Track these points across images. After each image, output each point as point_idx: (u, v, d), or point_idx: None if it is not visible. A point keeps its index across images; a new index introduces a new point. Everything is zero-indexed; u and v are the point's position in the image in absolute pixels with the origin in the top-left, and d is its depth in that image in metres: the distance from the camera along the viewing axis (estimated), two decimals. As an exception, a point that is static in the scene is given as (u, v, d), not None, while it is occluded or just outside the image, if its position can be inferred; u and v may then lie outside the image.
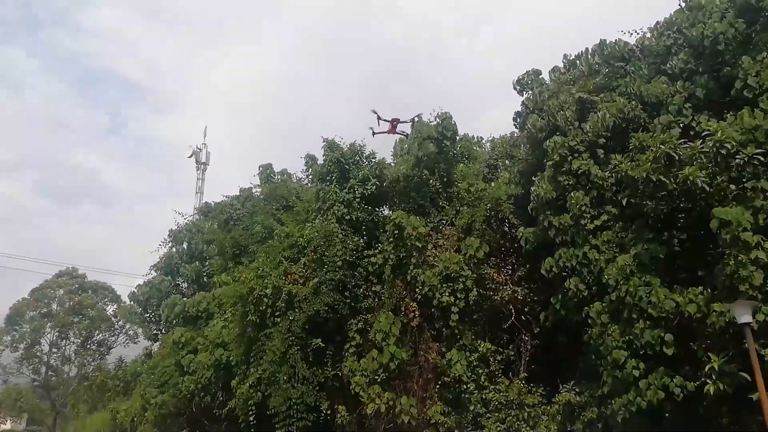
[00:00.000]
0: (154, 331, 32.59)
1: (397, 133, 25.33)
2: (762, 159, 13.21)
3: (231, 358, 21.51)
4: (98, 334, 56.92)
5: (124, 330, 55.90)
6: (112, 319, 56.42)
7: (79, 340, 57.13)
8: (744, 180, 13.50)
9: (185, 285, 31.05)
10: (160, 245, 31.84)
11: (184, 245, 31.65)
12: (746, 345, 12.41)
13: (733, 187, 13.77)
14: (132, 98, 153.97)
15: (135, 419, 27.38)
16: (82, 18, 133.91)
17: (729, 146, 13.29)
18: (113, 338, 57.26)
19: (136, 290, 32.21)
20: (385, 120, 24.60)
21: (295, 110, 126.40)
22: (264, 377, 19.20)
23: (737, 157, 13.29)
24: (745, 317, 12.30)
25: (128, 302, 37.24)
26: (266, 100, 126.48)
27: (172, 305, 26.62)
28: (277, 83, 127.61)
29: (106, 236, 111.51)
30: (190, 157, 48.21)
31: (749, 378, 12.56)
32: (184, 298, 27.63)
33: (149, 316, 32.57)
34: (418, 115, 23.27)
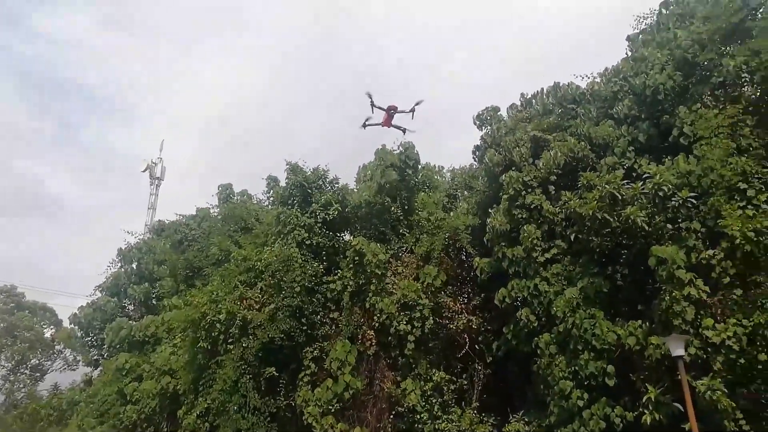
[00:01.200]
0: (95, 357, 31.12)
1: (395, 127, 21.72)
2: (695, 202, 14.38)
3: (178, 387, 20.84)
4: (33, 359, 53.65)
5: (62, 355, 52.93)
6: (51, 342, 53.39)
7: (11, 364, 53.67)
8: (679, 220, 14.56)
9: (132, 307, 29.95)
10: (108, 266, 30.71)
11: (134, 265, 30.59)
12: (680, 377, 13.22)
13: (669, 226, 14.83)
14: (86, 108, 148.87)
15: (70, 451, 25.94)
16: (38, 23, 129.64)
17: (666, 189, 14.43)
18: (49, 363, 54.11)
19: (78, 312, 30.76)
20: (379, 108, 21.21)
21: (257, 128, 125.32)
22: (213, 407, 18.68)
23: (673, 199, 14.42)
24: (678, 350, 13.16)
25: (69, 325, 35.49)
26: (228, 117, 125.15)
27: (117, 329, 25.57)
28: (240, 100, 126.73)
29: (49, 252, 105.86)
30: (144, 171, 46.96)
31: (682, 408, 13.33)
32: (131, 322, 26.63)
33: (90, 340, 31.10)
34: (418, 102, 20.83)
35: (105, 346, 27.93)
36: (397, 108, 20.97)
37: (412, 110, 20.79)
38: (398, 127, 21.64)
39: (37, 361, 53.48)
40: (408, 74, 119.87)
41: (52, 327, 54.55)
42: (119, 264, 30.67)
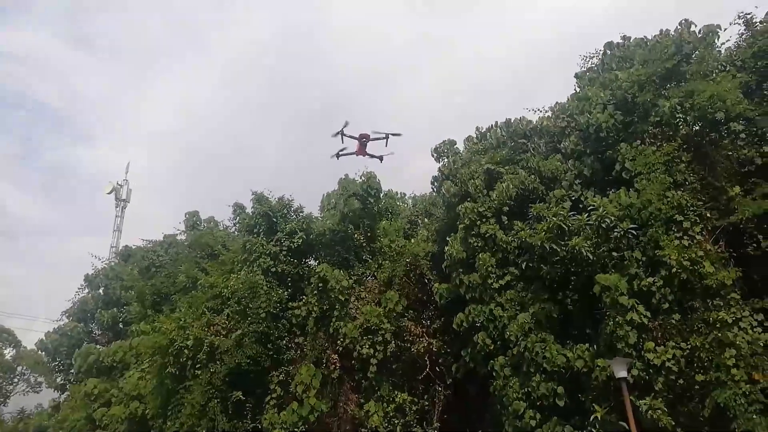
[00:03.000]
0: (62, 381, 30.92)
1: (369, 156, 20.78)
2: (635, 233, 15.39)
3: (147, 411, 21.19)
4: (-6, 381, 52.19)
5: (24, 377, 51.63)
6: (12, 365, 52.03)
7: (-29, 387, 52.12)
8: (621, 250, 15.54)
9: (99, 332, 29.96)
10: (77, 292, 30.66)
11: (101, 290, 30.64)
12: (624, 397, 14.12)
13: (614, 254, 15.77)
14: (48, 126, 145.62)
15: (37, 478, 25.73)
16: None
17: (609, 220, 15.42)
18: (11, 387, 52.70)
19: (44, 338, 30.57)
20: (350, 137, 20.37)
21: (225, 151, 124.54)
22: (182, 431, 19.07)
23: (615, 230, 15.40)
24: (621, 372, 14.06)
25: (30, 347, 35.10)
26: (195, 139, 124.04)
27: (86, 355, 25.65)
28: (207, 122, 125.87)
29: (7, 273, 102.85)
30: (109, 193, 46.88)
31: (627, 427, 14.12)
32: (99, 347, 26.70)
33: (57, 365, 30.93)
34: (395, 134, 20.10)
35: (73, 372, 27.87)
36: (369, 136, 20.29)
37: (386, 137, 20.23)
38: (373, 156, 21.02)
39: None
40: (369, 92, 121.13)
41: (12, 348, 53.23)
42: (86, 289, 30.65)
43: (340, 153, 20.57)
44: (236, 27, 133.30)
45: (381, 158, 20.96)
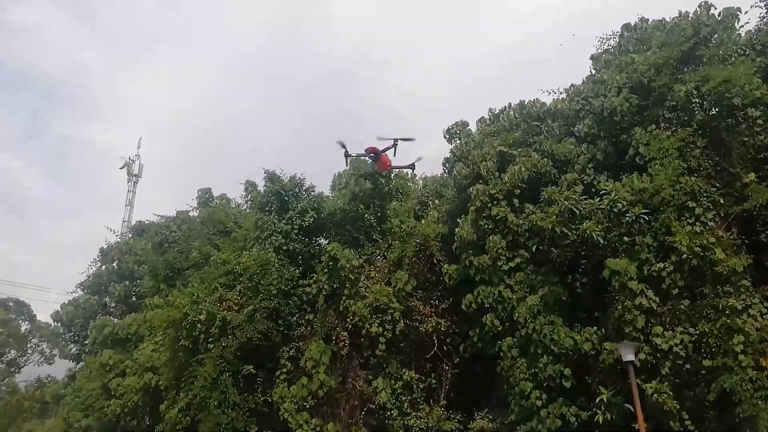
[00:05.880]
0: (77, 352, 31.68)
1: (396, 168, 20.91)
2: (647, 218, 15.38)
3: (161, 383, 21.62)
4: (10, 352, 53.59)
5: (38, 349, 52.95)
6: (26, 336, 53.34)
7: (-13, 358, 53.57)
8: (633, 235, 15.55)
9: (113, 305, 30.54)
10: (90, 265, 31.23)
11: (114, 264, 31.16)
12: (630, 380, 14.29)
13: (626, 239, 15.78)
14: (56, 103, 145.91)
15: (55, 442, 26.57)
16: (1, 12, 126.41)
17: (621, 205, 15.40)
18: (24, 358, 54.08)
19: (59, 309, 31.29)
20: (352, 156, 20.94)
21: (234, 126, 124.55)
22: (194, 402, 19.53)
23: (627, 215, 15.39)
24: (629, 356, 14.22)
25: (45, 319, 35.97)
26: (205, 115, 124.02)
27: (101, 327, 26.23)
28: (216, 98, 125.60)
29: (18, 246, 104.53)
30: (122, 168, 47.24)
31: (632, 409, 14.37)
32: (114, 320, 27.27)
33: (72, 336, 31.68)
34: (406, 139, 19.92)
35: (88, 343, 28.53)
36: (377, 149, 19.88)
37: (395, 144, 20.04)
38: (401, 167, 21.40)
39: (14, 355, 53.49)
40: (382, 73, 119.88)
41: (27, 321, 54.54)
42: (100, 263, 31.18)
43: (369, 174, 20.77)
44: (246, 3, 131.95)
45: (413, 166, 21.05)
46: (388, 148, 20.07)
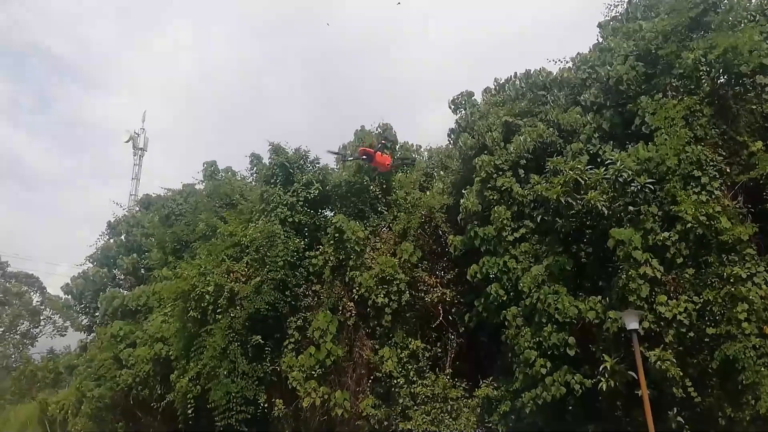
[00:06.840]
0: (88, 323, 32.28)
1: (398, 165, 22.25)
2: (652, 187, 15.33)
3: (170, 353, 22.05)
4: (23, 324, 54.73)
5: (51, 321, 54.01)
6: (39, 309, 54.37)
7: (0, 330, 54.79)
8: (638, 205, 15.54)
9: (122, 277, 30.96)
10: (98, 238, 31.58)
11: (122, 237, 31.48)
12: (634, 348, 14.48)
13: (631, 209, 15.75)
14: (61, 76, 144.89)
15: (68, 411, 27.24)
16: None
17: (626, 174, 15.31)
18: (37, 330, 55.23)
19: (70, 282, 31.78)
20: (347, 159, 21.92)
21: (239, 99, 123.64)
22: (204, 372, 19.99)
23: (632, 184, 15.33)
24: (633, 324, 14.34)
25: (54, 292, 36.58)
26: (210, 88, 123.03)
27: (111, 298, 26.65)
28: (222, 71, 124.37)
29: (26, 220, 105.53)
30: (127, 141, 47.29)
31: (635, 377, 14.60)
32: (123, 291, 27.68)
33: (83, 308, 32.24)
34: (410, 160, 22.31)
35: (98, 314, 29.04)
36: (370, 151, 20.13)
37: (383, 146, 20.73)
38: (402, 162, 22.86)
39: (27, 327, 54.63)
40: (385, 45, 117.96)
41: (38, 293, 55.51)
42: (108, 236, 31.49)
43: (375, 174, 21.51)
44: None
45: (413, 161, 22.45)
46: (379, 149, 20.53)
